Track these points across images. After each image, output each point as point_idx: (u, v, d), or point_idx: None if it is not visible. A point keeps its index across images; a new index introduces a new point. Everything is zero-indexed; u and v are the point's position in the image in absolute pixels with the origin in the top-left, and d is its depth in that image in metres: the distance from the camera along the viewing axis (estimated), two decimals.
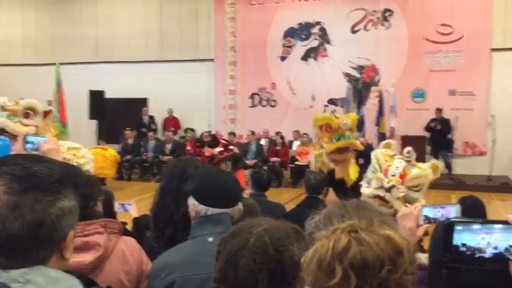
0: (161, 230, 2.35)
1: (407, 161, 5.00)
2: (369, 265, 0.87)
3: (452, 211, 1.73)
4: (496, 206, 9.04)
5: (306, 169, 6.84)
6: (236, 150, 6.89)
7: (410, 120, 12.30)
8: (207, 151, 5.64)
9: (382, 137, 12.14)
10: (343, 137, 6.14)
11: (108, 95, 13.77)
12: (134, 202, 4.12)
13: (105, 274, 1.74)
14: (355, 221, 0.95)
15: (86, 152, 3.79)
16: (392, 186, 4.96)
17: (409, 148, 5.31)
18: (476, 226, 1.03)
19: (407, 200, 5.09)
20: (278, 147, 12.15)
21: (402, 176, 5.05)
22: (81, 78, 14.02)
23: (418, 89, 12.79)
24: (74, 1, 15.38)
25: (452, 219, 1.07)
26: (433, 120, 11.96)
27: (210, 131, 13.21)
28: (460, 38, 12.32)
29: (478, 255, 1.01)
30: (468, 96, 12.34)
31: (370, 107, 12.82)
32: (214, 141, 6.34)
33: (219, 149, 5.90)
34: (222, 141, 6.80)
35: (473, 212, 3.22)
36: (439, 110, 11.97)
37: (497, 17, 12.00)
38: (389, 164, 5.16)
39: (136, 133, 13.49)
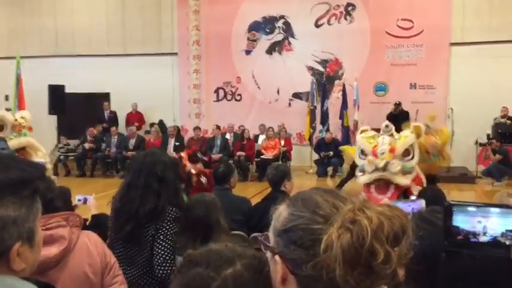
0: (121, 224, 2.30)
1: (390, 136, 5.10)
2: (398, 237, 0.86)
3: (419, 204, 1.75)
4: (455, 196, 9.31)
5: (271, 163, 6.86)
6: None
7: (373, 114, 12.46)
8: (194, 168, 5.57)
9: (346, 130, 12.33)
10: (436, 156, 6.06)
11: (69, 89, 13.43)
12: (94, 196, 4.04)
13: (70, 267, 1.70)
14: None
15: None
16: (387, 163, 5.05)
17: (386, 122, 5.42)
18: (472, 209, 1.00)
19: (405, 172, 5.19)
20: (244, 142, 12.13)
21: (392, 150, 5.14)
22: (40, 73, 13.58)
23: (380, 82, 13.02)
24: None
25: (450, 202, 1.03)
26: (389, 114, 11.65)
27: (175, 126, 13.11)
28: (420, 33, 12.60)
29: (472, 239, 0.98)
30: (428, 90, 12.65)
31: (334, 100, 12.99)
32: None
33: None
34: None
35: (435, 202, 3.29)
36: (396, 105, 12.10)
37: (455, 12, 12.32)
38: (374, 145, 5.23)
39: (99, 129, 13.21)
